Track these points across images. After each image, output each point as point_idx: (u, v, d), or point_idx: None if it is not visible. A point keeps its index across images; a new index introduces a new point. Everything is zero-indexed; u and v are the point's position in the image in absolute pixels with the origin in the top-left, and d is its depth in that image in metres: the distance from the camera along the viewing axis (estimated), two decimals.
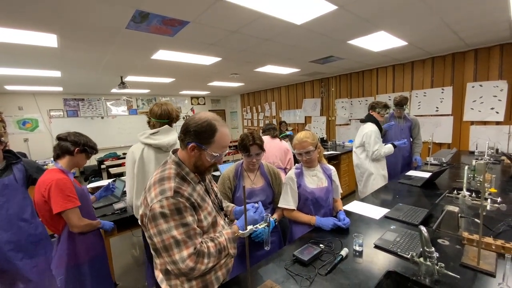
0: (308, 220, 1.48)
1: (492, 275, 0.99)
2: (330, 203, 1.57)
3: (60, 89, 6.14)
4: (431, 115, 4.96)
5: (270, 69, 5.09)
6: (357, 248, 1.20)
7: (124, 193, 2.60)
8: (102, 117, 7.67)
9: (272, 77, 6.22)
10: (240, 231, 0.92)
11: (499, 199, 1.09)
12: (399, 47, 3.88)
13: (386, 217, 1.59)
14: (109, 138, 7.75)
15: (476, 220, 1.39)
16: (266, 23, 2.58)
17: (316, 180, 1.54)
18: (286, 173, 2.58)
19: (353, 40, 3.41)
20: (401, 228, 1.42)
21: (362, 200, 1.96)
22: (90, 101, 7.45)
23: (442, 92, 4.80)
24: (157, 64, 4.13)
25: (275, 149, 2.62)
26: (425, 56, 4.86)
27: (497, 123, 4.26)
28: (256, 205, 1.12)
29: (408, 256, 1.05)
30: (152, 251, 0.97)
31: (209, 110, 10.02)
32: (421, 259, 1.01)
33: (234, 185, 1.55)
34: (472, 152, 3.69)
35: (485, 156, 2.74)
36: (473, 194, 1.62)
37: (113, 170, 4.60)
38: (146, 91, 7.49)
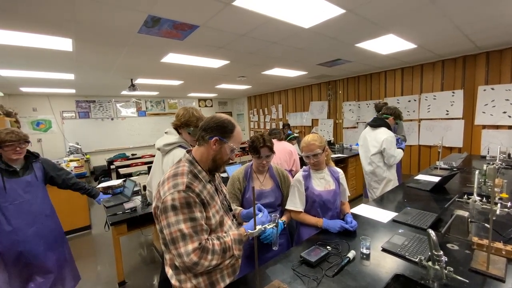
0: (316, 222, 1.49)
1: (502, 280, 0.98)
2: (338, 206, 1.57)
3: (73, 91, 6.33)
4: (441, 119, 4.88)
5: (277, 71, 5.12)
6: (365, 251, 1.21)
7: (134, 192, 2.66)
8: (112, 119, 7.84)
9: (279, 80, 6.25)
10: (249, 230, 0.95)
11: (509, 204, 1.08)
12: (408, 50, 3.85)
13: (394, 220, 1.58)
14: (118, 139, 7.91)
15: (486, 225, 1.37)
16: (274, 26, 2.62)
17: (323, 182, 1.55)
18: (291, 174, 2.60)
19: (361, 43, 3.41)
20: (409, 232, 1.42)
21: (370, 203, 1.96)
22: (101, 102, 7.64)
23: (453, 95, 4.73)
24: (167, 67, 4.21)
25: (279, 151, 2.63)
26: (435, 59, 4.80)
27: (510, 127, 4.16)
28: (260, 214, 1.14)
29: (417, 260, 1.05)
30: (162, 246, 1.01)
31: (216, 113, 10.14)
32: (430, 263, 1.01)
33: (243, 187, 1.57)
34: (484, 157, 3.61)
35: (497, 160, 2.69)
36: (484, 199, 1.60)
37: (122, 171, 4.70)
38: (155, 93, 7.63)
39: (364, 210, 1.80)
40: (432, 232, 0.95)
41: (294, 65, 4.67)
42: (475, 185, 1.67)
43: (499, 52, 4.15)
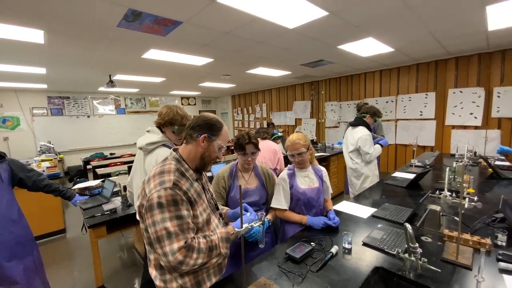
0: (300, 219, 1.52)
1: (469, 268, 1.07)
2: (321, 203, 1.62)
3: (44, 86, 5.93)
4: (416, 119, 5.17)
5: (261, 71, 5.14)
6: (346, 245, 1.26)
7: (114, 193, 2.56)
8: (88, 116, 7.46)
9: (264, 79, 6.28)
10: (235, 229, 0.95)
11: (475, 198, 1.18)
12: (386, 53, 4.03)
13: (373, 216, 1.66)
14: (95, 138, 7.54)
15: (456, 218, 1.48)
16: (259, 26, 2.63)
17: (307, 181, 1.59)
18: (276, 173, 2.63)
19: (343, 45, 3.52)
20: (387, 226, 1.49)
21: (351, 200, 2.03)
22: (75, 99, 7.23)
23: (426, 97, 5.02)
24: (148, 63, 4.08)
25: (264, 150, 2.66)
26: (411, 63, 5.07)
27: (476, 127, 4.50)
28: (248, 213, 1.15)
29: (394, 253, 1.11)
30: (147, 246, 0.98)
31: (199, 111, 9.95)
32: (406, 255, 1.07)
33: (228, 185, 1.57)
34: (453, 155, 3.88)
35: (465, 158, 2.90)
36: (454, 194, 1.72)
37: (100, 171, 4.49)
38: (135, 90, 7.36)
39: (345, 206, 1.87)
40: (408, 226, 1.01)
41: (279, 64, 4.71)
42: (446, 182, 1.79)
43: (467, 57, 4.46)
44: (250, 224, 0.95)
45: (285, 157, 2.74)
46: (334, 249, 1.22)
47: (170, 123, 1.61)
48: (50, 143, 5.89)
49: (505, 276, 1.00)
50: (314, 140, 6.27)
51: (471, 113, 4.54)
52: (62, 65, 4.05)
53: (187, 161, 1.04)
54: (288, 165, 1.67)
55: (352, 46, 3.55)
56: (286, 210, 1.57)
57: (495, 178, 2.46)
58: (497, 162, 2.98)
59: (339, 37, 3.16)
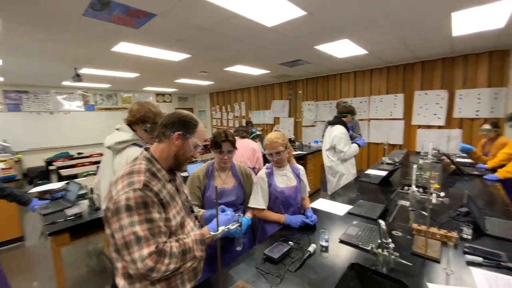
0: (278, 218, 1.51)
1: (438, 261, 1.13)
2: (299, 202, 1.63)
3: (0, 79, 5.35)
4: (386, 119, 5.46)
5: (240, 69, 5.09)
6: (324, 243, 1.27)
7: (79, 196, 2.37)
8: (52, 113, 6.85)
9: (242, 77, 6.23)
10: (211, 232, 0.91)
11: (442, 194, 1.25)
12: (361, 55, 4.19)
13: (349, 213, 1.70)
14: (60, 136, 6.96)
15: (423, 212, 1.56)
16: (238, 22, 2.58)
17: (286, 179, 1.59)
18: (255, 172, 2.61)
19: (320, 46, 3.59)
20: (362, 222, 1.54)
21: (328, 197, 2.07)
22: (36, 93, 6.60)
23: (395, 98, 5.32)
24: (119, 57, 3.84)
25: (243, 149, 2.62)
26: (382, 65, 5.33)
27: (439, 127, 4.86)
28: (228, 211, 1.11)
29: (369, 248, 1.14)
30: (113, 253, 0.90)
31: (176, 108, 9.64)
32: (379, 250, 1.10)
33: (204, 185, 1.52)
34: (419, 153, 4.14)
35: (429, 156, 3.11)
36: (421, 190, 1.82)
37: (65, 172, 4.15)
38: (106, 85, 6.91)
39: (322, 204, 1.90)
40: (382, 223, 1.04)
41: (257, 63, 4.69)
42: (414, 178, 1.89)
43: (432, 62, 4.79)
44: (227, 227, 0.91)
45: (264, 156, 2.73)
46: (312, 248, 1.23)
47: (142, 121, 1.52)
48: (5, 142, 5.33)
49: (472, 268, 1.06)
50: (292, 139, 6.36)
51: (435, 114, 4.89)
52: (21, 57, 3.66)
53: (160, 160, 0.97)
54: (267, 164, 1.66)
55: (329, 47, 3.63)
56: (264, 209, 1.55)
57: (457, 174, 2.66)
58: (459, 159, 3.23)
59: (316, 37, 3.22)
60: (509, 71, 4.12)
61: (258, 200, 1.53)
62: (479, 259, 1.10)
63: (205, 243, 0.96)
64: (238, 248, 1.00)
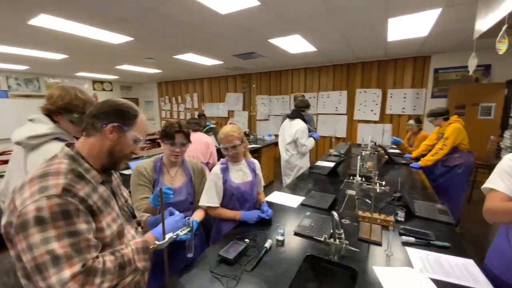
0: (234, 215, 1.45)
1: (379, 244, 1.23)
2: (255, 197, 1.59)
3: None
4: (332, 114, 5.90)
5: (191, 57, 4.78)
6: (280, 238, 1.26)
7: None
8: None
9: (195, 67, 5.89)
10: (157, 242, 0.78)
11: (383, 183, 1.37)
12: (311, 52, 4.37)
13: (302, 204, 1.75)
14: None
15: (367, 200, 1.71)
16: (188, 5, 2.37)
17: (241, 174, 1.53)
18: (208, 167, 2.49)
19: (274, 40, 3.60)
20: (314, 213, 1.59)
21: (282, 190, 2.10)
22: None
23: (340, 95, 5.77)
24: (39, 33, 3.17)
25: (195, 143, 2.47)
26: (329, 63, 5.69)
27: (375, 122, 5.47)
28: (176, 215, 0.99)
29: (322, 239, 1.17)
30: (21, 280, 0.70)
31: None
32: (332, 240, 1.14)
33: (152, 179, 1.36)
34: (359, 145, 4.59)
35: (368, 147, 3.46)
36: (363, 179, 1.99)
37: None
38: (23, 67, 5.70)
39: (277, 197, 1.91)
40: (335, 214, 1.07)
41: (210, 53, 4.48)
42: (358, 168, 2.06)
43: (370, 63, 5.32)
44: (176, 233, 0.79)
45: (219, 151, 2.62)
46: (268, 243, 1.20)
47: (66, 110, 1.24)
48: None
49: (407, 248, 1.19)
50: (247, 132, 6.35)
51: (372, 110, 5.48)
52: None
53: (89, 158, 0.79)
54: (221, 159, 1.57)
55: (282, 41, 3.68)
56: (218, 207, 1.47)
57: (390, 163, 3.02)
58: (390, 150, 3.68)
59: (270, 30, 3.21)
60: (428, 74, 4.87)
61: (212, 198, 1.44)
62: (412, 239, 1.24)
63: (149, 252, 0.82)
64: (189, 255, 0.90)
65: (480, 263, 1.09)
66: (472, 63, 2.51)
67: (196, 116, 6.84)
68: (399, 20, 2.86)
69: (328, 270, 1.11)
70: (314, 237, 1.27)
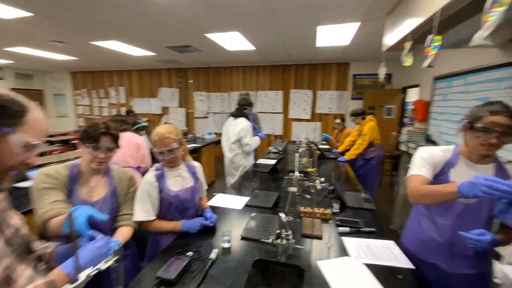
0: (173, 227, 1.29)
1: (320, 237, 1.30)
2: (197, 203, 1.47)
3: None
4: (270, 113, 6.14)
5: (115, 45, 4.15)
6: (226, 245, 1.19)
7: None
8: None
9: (120, 57, 5.15)
10: (68, 285, 0.59)
11: (323, 179, 1.47)
12: (249, 50, 4.40)
13: (247, 205, 1.72)
14: None
15: (307, 196, 1.81)
16: None
17: (180, 180, 1.37)
18: (140, 172, 2.20)
19: (211, 34, 3.45)
20: (259, 213, 1.58)
21: (226, 191, 2.03)
22: None
23: (276, 95, 6.06)
24: None
25: (123, 145, 2.13)
26: (266, 63, 5.89)
27: (307, 120, 5.98)
28: (99, 238, 0.79)
29: (270, 241, 1.15)
30: None
31: (12, 89, 6.73)
32: (279, 241, 1.14)
33: (66, 189, 1.09)
34: (294, 142, 4.92)
35: (303, 144, 3.73)
36: (302, 175, 2.11)
37: None
38: None
39: (221, 200, 1.83)
40: (283, 216, 1.06)
41: (140, 42, 3.98)
42: (296, 164, 2.17)
43: (302, 65, 5.76)
44: (96, 267, 0.62)
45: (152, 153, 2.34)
46: (214, 254, 1.12)
47: None
48: None
49: (343, 238, 1.29)
50: (185, 131, 5.98)
51: (304, 109, 5.96)
52: None
53: None
54: (155, 165, 1.37)
55: (220, 37, 3.57)
56: (155, 219, 1.28)
57: (322, 158, 3.32)
58: (321, 146, 4.06)
59: (208, 24, 3.06)
60: (348, 79, 5.60)
61: (147, 211, 1.24)
62: (347, 229, 1.36)
63: None
64: None
65: (393, 239, 1.27)
66: (382, 71, 2.98)
67: (123, 113, 6.03)
68: (326, 28, 3.16)
69: (276, 272, 1.10)
70: (262, 240, 1.24)
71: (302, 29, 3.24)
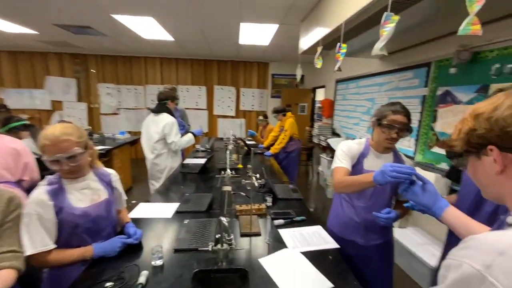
0: (82, 254, 1.00)
1: (259, 234, 1.30)
2: (114, 219, 1.20)
3: None
4: (193, 109, 5.85)
5: None
6: (158, 262, 1.02)
7: None
8: None
9: None
10: None
11: (258, 175, 1.47)
12: (167, 41, 4.02)
13: (178, 212, 1.54)
14: None
15: (241, 193, 1.78)
16: None
17: (89, 194, 1.08)
18: (23, 188, 1.64)
19: (119, 16, 2.94)
20: (193, 219, 1.44)
21: (151, 199, 1.77)
22: None
23: (200, 90, 5.83)
24: None
25: None
26: (187, 57, 5.55)
27: (232, 117, 6.02)
28: None
29: (209, 248, 1.06)
30: None
31: None
32: (218, 246, 1.07)
33: None
34: (221, 138, 4.87)
35: (230, 141, 3.72)
36: (234, 172, 2.08)
37: None
38: None
39: (144, 210, 1.58)
40: (223, 219, 0.99)
41: (11, 13, 2.97)
42: (227, 162, 2.13)
43: (225, 61, 5.73)
44: None
45: (40, 161, 1.78)
46: (143, 277, 0.93)
47: None
48: None
49: (280, 230, 1.33)
50: (89, 131, 4.94)
51: (229, 106, 5.99)
52: None
53: None
54: (48, 177, 1.03)
55: (132, 20, 3.09)
56: (53, 249, 0.97)
57: (248, 154, 3.40)
58: (248, 142, 4.17)
59: (115, 3, 2.57)
60: (268, 78, 5.95)
61: (40, 240, 0.91)
62: (281, 221, 1.42)
63: None
64: None
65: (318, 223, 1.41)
66: (298, 72, 3.29)
67: None
68: (249, 26, 3.22)
69: (219, 280, 1.03)
70: (199, 249, 1.13)
71: (226, 23, 3.18)
